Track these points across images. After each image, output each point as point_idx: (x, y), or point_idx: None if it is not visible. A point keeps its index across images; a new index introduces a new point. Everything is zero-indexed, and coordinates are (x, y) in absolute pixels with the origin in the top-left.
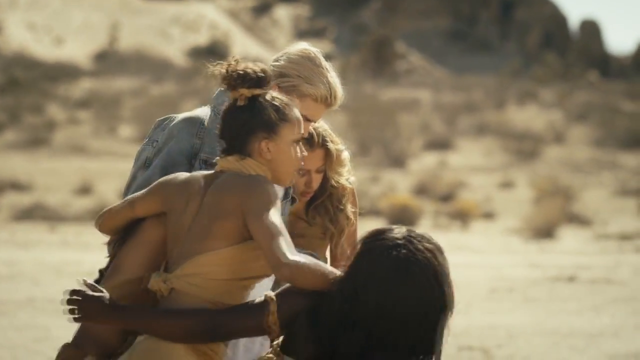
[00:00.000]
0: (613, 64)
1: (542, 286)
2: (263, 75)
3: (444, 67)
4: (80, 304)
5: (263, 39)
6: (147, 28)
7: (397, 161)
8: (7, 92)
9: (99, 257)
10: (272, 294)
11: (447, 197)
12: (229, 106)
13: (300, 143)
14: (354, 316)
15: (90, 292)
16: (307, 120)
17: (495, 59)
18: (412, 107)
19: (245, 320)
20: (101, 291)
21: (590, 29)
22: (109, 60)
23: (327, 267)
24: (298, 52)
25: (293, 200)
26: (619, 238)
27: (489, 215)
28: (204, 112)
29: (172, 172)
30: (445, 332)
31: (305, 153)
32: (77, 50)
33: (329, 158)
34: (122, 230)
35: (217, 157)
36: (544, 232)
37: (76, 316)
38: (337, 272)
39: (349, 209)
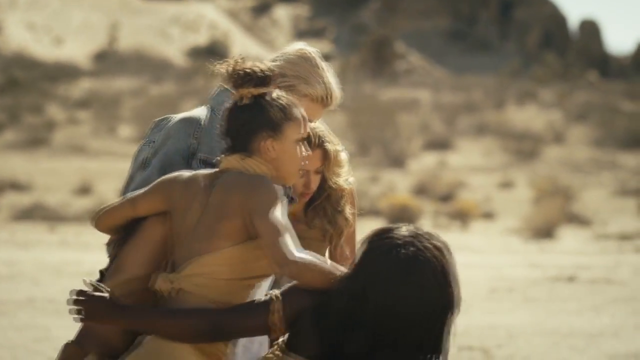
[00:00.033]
0: (613, 64)
1: (542, 286)
2: (268, 74)
3: (443, 67)
4: (85, 304)
5: (263, 39)
6: (147, 28)
7: (397, 161)
8: (7, 92)
9: (99, 257)
10: (276, 292)
11: (446, 197)
12: (233, 105)
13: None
14: (359, 315)
15: (95, 293)
16: None
17: (494, 59)
18: (412, 107)
19: (249, 319)
20: (106, 291)
21: (590, 29)
22: (108, 60)
23: (333, 265)
24: (295, 52)
25: (291, 200)
26: (618, 238)
27: (488, 215)
28: (201, 112)
29: (170, 172)
30: (452, 330)
31: (309, 152)
32: (77, 50)
33: (327, 159)
34: (120, 229)
35: (218, 156)
36: (544, 232)
37: (81, 316)
38: (343, 270)
39: (348, 210)
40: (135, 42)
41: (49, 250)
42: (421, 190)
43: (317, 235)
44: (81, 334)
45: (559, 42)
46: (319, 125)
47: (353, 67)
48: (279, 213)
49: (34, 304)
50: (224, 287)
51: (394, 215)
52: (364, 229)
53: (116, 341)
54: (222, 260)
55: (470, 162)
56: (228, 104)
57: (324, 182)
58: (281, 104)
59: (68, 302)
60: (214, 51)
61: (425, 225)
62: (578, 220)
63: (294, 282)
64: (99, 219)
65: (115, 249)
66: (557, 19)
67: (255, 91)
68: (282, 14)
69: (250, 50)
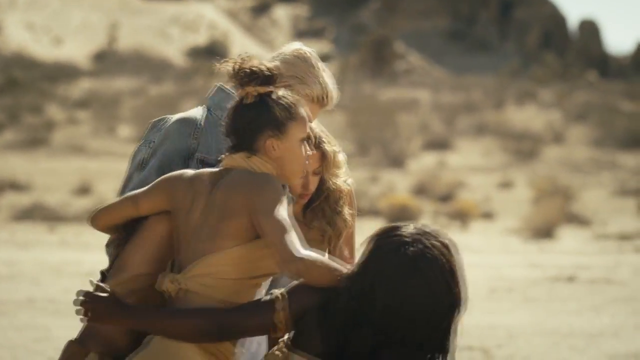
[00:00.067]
0: (612, 64)
1: (541, 286)
2: (273, 72)
3: (443, 67)
4: (91, 305)
5: (262, 39)
6: (146, 28)
7: (396, 161)
8: (6, 92)
9: (99, 257)
10: (281, 291)
11: (446, 197)
12: (237, 103)
13: (307, 142)
14: (366, 312)
15: (101, 293)
16: None
17: (494, 59)
18: (411, 107)
19: (254, 318)
20: (111, 292)
21: (590, 29)
22: (108, 60)
23: (338, 263)
24: (292, 53)
25: (290, 201)
26: (618, 238)
27: (488, 215)
28: (199, 112)
29: (168, 173)
30: (458, 329)
31: (312, 152)
32: (76, 50)
33: (325, 160)
34: (119, 228)
35: (215, 156)
36: (544, 232)
37: (87, 317)
38: (348, 268)
39: (346, 211)
40: (134, 42)
41: (48, 250)
42: (421, 190)
43: (316, 237)
44: (84, 333)
45: (558, 42)
46: (316, 126)
47: (352, 67)
48: (283, 211)
49: (33, 304)
50: (230, 287)
51: (394, 216)
52: (364, 229)
53: (119, 340)
54: (228, 260)
55: (469, 162)
56: (233, 102)
57: (322, 183)
58: (286, 102)
59: (74, 302)
60: (213, 51)
61: None
62: (578, 220)
63: (298, 280)
64: (97, 217)
65: (117, 249)
66: (557, 19)
67: (261, 89)
68: (281, 14)
69: (249, 51)
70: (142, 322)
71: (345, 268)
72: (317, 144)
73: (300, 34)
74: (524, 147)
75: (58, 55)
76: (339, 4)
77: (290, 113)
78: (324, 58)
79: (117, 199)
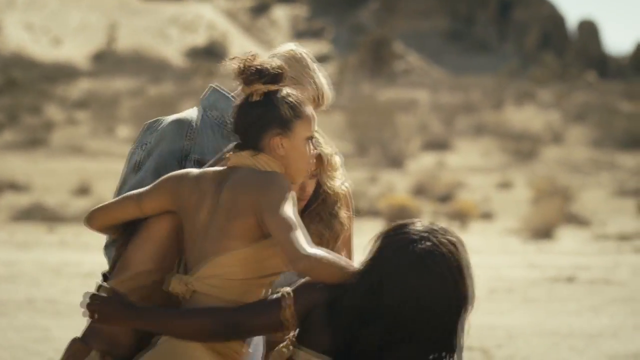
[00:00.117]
0: (611, 64)
1: (541, 286)
2: (279, 71)
3: (441, 67)
4: (98, 306)
5: (261, 39)
6: (145, 28)
7: (395, 161)
8: (5, 93)
9: (99, 258)
10: (288, 289)
11: (445, 198)
12: (242, 102)
13: (312, 141)
14: (374, 309)
15: (108, 295)
16: None
17: (493, 59)
18: (410, 108)
19: (262, 316)
20: (118, 293)
21: (588, 29)
22: (106, 61)
23: (345, 260)
24: (285, 54)
25: None
26: (617, 238)
27: (487, 216)
28: (193, 113)
29: (163, 175)
30: (466, 326)
31: (317, 151)
32: (75, 50)
33: (321, 162)
34: (117, 229)
35: (209, 157)
36: (543, 232)
37: (94, 319)
38: (355, 266)
39: (343, 214)
40: (133, 42)
41: (48, 250)
42: (420, 190)
43: (314, 240)
44: (87, 331)
45: (557, 42)
46: None
47: (351, 68)
48: (290, 209)
49: (33, 304)
50: (238, 288)
51: (393, 216)
52: (363, 229)
53: (122, 339)
54: (236, 261)
55: (468, 162)
56: (238, 100)
57: (319, 186)
58: (292, 101)
59: (81, 304)
60: (212, 51)
61: None
62: (577, 220)
63: (305, 278)
64: (94, 217)
65: (118, 250)
66: (556, 19)
67: (264, 88)
68: (280, 14)
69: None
70: (149, 322)
71: (352, 266)
72: (313, 147)
73: (299, 34)
74: (523, 148)
75: (57, 56)
76: (337, 4)
77: (296, 111)
78: (323, 58)
79: (115, 199)
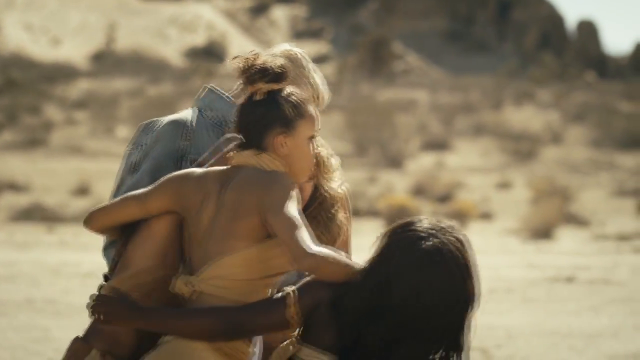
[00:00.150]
0: (610, 64)
1: (540, 287)
2: (282, 70)
3: (441, 67)
4: (104, 307)
5: (260, 39)
6: (144, 29)
7: (395, 162)
8: (5, 93)
9: (98, 258)
10: (292, 287)
11: (444, 198)
12: (245, 100)
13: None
14: (380, 307)
15: (113, 296)
16: None
17: (492, 59)
18: (409, 108)
19: (267, 315)
20: (123, 294)
21: (588, 29)
22: (106, 61)
23: (350, 258)
24: (281, 54)
25: None
26: (616, 238)
27: (486, 216)
28: (189, 114)
29: (160, 176)
30: (472, 325)
31: (319, 151)
32: (74, 50)
33: (318, 164)
34: (116, 230)
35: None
36: (542, 232)
37: (101, 320)
38: (360, 264)
39: (341, 216)
40: (132, 42)
41: (47, 250)
42: (419, 190)
43: None
44: (89, 330)
45: (556, 42)
46: None
47: (350, 68)
48: (294, 208)
49: (32, 304)
50: (243, 288)
51: (392, 216)
52: (362, 229)
53: (123, 339)
54: (241, 262)
55: (468, 162)
56: (241, 99)
57: (316, 189)
58: (295, 100)
59: (87, 306)
60: (211, 52)
61: None
62: (576, 220)
63: (310, 276)
64: (93, 218)
65: (119, 249)
66: (555, 19)
67: (267, 87)
68: (279, 14)
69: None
70: (155, 322)
71: (357, 264)
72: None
73: (298, 35)
74: (522, 148)
75: (56, 56)
76: (337, 5)
77: (299, 111)
78: (322, 58)
79: (115, 200)
